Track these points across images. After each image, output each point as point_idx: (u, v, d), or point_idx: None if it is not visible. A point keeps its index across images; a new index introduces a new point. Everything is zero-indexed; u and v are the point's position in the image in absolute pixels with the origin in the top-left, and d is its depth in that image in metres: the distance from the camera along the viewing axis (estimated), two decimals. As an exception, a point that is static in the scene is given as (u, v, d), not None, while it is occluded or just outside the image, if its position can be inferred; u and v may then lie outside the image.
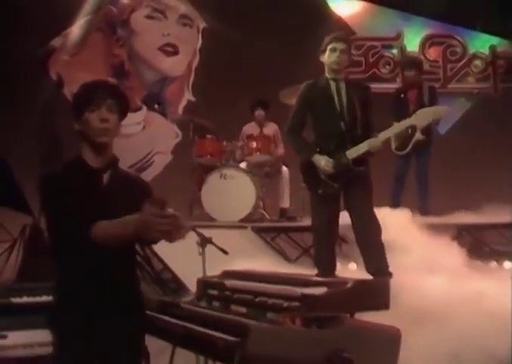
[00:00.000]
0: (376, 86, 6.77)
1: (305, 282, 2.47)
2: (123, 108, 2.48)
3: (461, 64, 8.36)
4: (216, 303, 2.95)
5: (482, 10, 7.97)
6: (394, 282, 4.11)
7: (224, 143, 6.44)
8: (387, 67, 8.29)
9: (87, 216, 2.30)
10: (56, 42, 7.44)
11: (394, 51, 8.36)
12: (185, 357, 3.05)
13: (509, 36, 8.31)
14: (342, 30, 8.08)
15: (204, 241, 3.58)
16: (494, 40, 8.43)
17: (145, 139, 7.73)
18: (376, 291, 2.38)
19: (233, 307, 2.80)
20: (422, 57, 8.27)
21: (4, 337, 3.10)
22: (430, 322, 3.81)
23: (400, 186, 6.42)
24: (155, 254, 4.81)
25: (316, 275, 4.20)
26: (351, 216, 4.36)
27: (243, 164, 6.47)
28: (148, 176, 7.51)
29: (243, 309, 2.68)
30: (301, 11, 7.84)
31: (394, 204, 6.30)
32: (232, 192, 6.07)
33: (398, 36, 8.34)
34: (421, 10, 8.14)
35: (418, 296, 4.06)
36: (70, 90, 6.77)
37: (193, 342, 2.46)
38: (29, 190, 6.64)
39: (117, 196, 2.41)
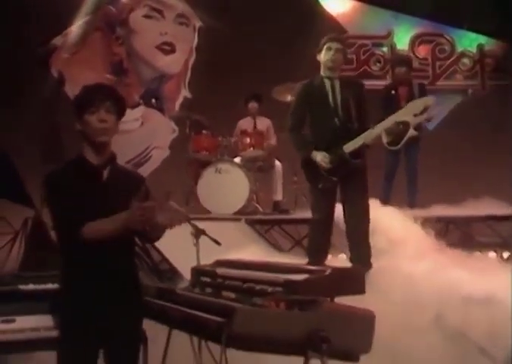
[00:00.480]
0: (366, 83, 6.96)
1: (288, 269, 2.72)
2: (121, 109, 2.70)
3: (450, 61, 8.59)
4: (208, 289, 3.17)
5: (471, 9, 8.23)
6: (383, 269, 4.45)
7: (219, 139, 6.68)
8: (377, 64, 8.52)
9: (88, 209, 2.55)
10: (57, 40, 7.69)
11: (385, 49, 8.59)
12: (181, 340, 3.33)
13: (496, 35, 8.55)
14: (335, 29, 8.41)
15: (198, 232, 3.84)
16: (482, 39, 8.65)
17: (143, 135, 7.98)
18: (352, 278, 2.63)
19: (224, 293, 3.03)
20: (411, 55, 8.50)
21: (13, 321, 3.31)
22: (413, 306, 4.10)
23: (390, 181, 6.65)
24: (154, 246, 5.06)
25: (307, 264, 4.47)
26: (344, 209, 4.60)
27: (237, 159, 6.73)
28: (146, 170, 7.77)
29: (232, 295, 2.91)
30: (294, 10, 8.07)
31: (385, 198, 6.56)
32: (226, 186, 6.33)
33: (389, 35, 8.57)
34: (411, 9, 8.38)
35: (403, 282, 4.35)
36: (71, 87, 7.03)
37: (187, 324, 2.71)
38: (30, 184, 6.89)
39: (115, 190, 2.64)
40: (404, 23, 8.59)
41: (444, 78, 8.59)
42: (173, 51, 8.12)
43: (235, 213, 6.27)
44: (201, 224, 4.32)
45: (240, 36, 7.74)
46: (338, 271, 2.61)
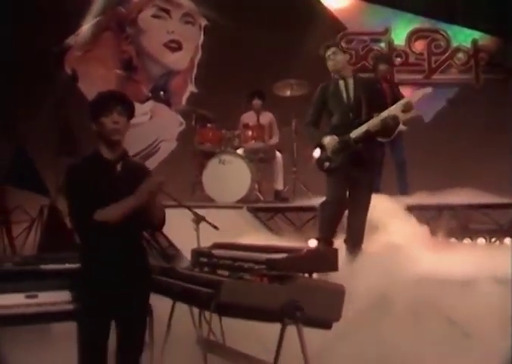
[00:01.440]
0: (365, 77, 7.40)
1: (271, 250, 3.17)
2: (130, 112, 3.16)
3: (445, 56, 8.92)
4: (206, 268, 3.65)
5: (465, 6, 8.58)
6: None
7: (223, 132, 7.11)
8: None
9: (104, 198, 2.99)
10: (70, 40, 8.15)
11: (382, 44, 8.95)
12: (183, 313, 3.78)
13: (490, 30, 8.87)
14: (335, 26, 8.81)
15: (198, 219, 4.26)
16: (477, 34, 8.95)
17: (152, 128, 8.41)
18: (326, 257, 3.06)
19: (219, 271, 3.49)
20: (408, 50, 8.89)
21: (35, 296, 3.76)
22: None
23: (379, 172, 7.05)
24: (161, 233, 5.50)
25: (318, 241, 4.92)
26: (349, 194, 5.01)
27: (240, 151, 7.15)
28: (154, 161, 8.24)
29: (226, 272, 3.38)
30: (296, 9, 8.41)
31: (376, 188, 6.96)
32: (229, 175, 6.74)
33: (386, 31, 8.92)
34: (408, 6, 8.73)
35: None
36: (84, 83, 7.49)
37: (185, 296, 3.18)
38: (46, 175, 7.34)
39: (127, 181, 3.06)
40: (402, 19, 8.92)
41: (440, 72, 8.93)
42: (179, 48, 8.54)
43: (238, 201, 6.70)
44: (205, 212, 4.78)
45: (243, 34, 8.11)
46: (313, 251, 3.06)
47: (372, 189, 5.07)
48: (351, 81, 5.05)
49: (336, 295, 2.95)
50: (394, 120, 5.12)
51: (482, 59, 8.96)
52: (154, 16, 8.46)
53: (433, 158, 8.13)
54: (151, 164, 8.33)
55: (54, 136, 7.18)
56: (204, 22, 8.57)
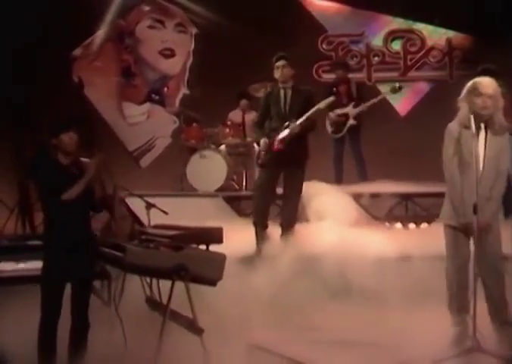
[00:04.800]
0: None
1: (176, 228, 4.21)
2: (82, 131, 4.27)
3: (420, 55, 9.55)
4: (144, 243, 4.69)
5: (440, 6, 9.24)
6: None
7: (205, 130, 8.15)
8: (354, 59, 9.59)
9: (59, 187, 4.09)
10: (76, 52, 9.36)
11: (361, 45, 9.65)
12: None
13: (464, 29, 9.51)
14: (316, 28, 9.60)
15: (149, 206, 5.30)
16: (451, 33, 9.54)
17: (149, 127, 9.57)
18: (211, 233, 4.09)
19: (150, 244, 4.53)
20: (385, 49, 9.61)
21: (22, 264, 4.90)
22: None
23: (339, 164, 7.95)
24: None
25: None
26: (283, 188, 5.99)
27: (223, 146, 8.16)
28: (152, 156, 9.41)
29: (151, 244, 4.40)
30: (279, 14, 9.15)
31: (337, 178, 7.87)
32: (209, 168, 7.78)
33: (364, 33, 9.61)
34: (384, 8, 9.47)
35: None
36: (89, 91, 8.64)
37: (114, 260, 4.21)
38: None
39: (78, 178, 4.16)
40: (379, 21, 9.65)
41: (415, 69, 9.59)
42: (173, 55, 9.61)
43: (216, 190, 7.74)
44: (186, 200, 5.91)
45: (230, 40, 9.00)
46: (201, 229, 4.08)
47: (301, 180, 5.96)
48: (289, 92, 5.93)
49: (218, 261, 3.95)
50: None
51: (457, 57, 9.55)
52: (150, 27, 9.57)
53: (402, 150, 8.87)
54: (149, 158, 9.53)
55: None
56: (194, 30, 9.58)
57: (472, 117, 4.02)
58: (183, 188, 8.01)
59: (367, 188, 7.25)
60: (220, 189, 7.76)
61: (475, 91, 4.10)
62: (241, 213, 7.35)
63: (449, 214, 4.19)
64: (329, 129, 7.86)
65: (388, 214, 7.32)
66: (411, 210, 7.66)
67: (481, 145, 4.15)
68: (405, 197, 7.52)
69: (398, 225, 6.85)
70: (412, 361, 3.85)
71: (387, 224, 6.82)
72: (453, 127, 4.20)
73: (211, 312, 4.47)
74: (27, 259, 4.83)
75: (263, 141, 5.89)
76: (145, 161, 9.56)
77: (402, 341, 4.13)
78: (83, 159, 4.52)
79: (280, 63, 5.95)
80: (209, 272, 3.90)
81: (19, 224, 7.53)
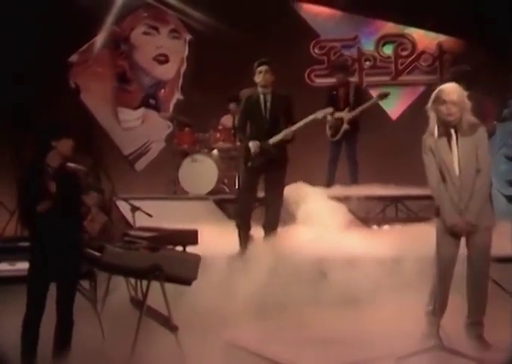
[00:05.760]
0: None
1: (154, 230, 4.38)
2: (74, 137, 4.43)
3: (411, 59, 9.65)
4: (127, 244, 4.86)
5: (431, 11, 9.36)
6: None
7: (196, 135, 8.32)
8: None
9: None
10: (73, 58, 9.56)
11: (353, 50, 9.77)
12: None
13: (455, 33, 9.62)
14: (309, 33, 9.75)
15: (134, 209, 5.47)
16: (442, 37, 9.63)
17: (143, 131, 9.77)
18: (187, 235, 4.27)
19: (132, 245, 4.70)
20: (376, 54, 9.72)
21: (14, 264, 5.12)
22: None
23: (333, 167, 8.08)
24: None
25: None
26: (265, 190, 6.14)
27: (215, 151, 8.34)
28: (147, 160, 9.62)
29: (134, 246, 4.58)
30: (272, 19, 9.28)
31: (329, 180, 8.01)
32: (200, 172, 7.96)
33: (356, 37, 9.73)
34: (376, 14, 9.60)
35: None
36: (85, 96, 8.81)
37: (96, 261, 4.39)
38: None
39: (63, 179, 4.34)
40: (370, 26, 9.77)
41: (406, 73, 9.69)
42: (167, 61, 9.79)
43: (207, 193, 7.92)
44: (177, 203, 6.08)
45: (223, 45, 9.14)
46: (176, 231, 4.25)
47: (282, 183, 6.11)
48: (269, 97, 6.06)
49: (192, 261, 4.11)
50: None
51: (447, 60, 9.60)
52: (145, 33, 9.76)
53: (393, 153, 8.99)
54: (144, 162, 9.73)
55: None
56: (188, 36, 9.76)
57: (436, 126, 4.13)
58: (176, 191, 8.19)
59: (357, 191, 7.36)
60: (211, 193, 7.93)
61: (439, 99, 4.21)
62: (231, 216, 7.49)
63: (438, 216, 4.22)
64: (328, 132, 8.01)
65: (377, 216, 7.48)
66: (402, 212, 7.80)
67: (454, 149, 4.26)
68: (395, 200, 7.66)
69: (386, 227, 6.96)
70: (378, 358, 3.98)
71: (375, 226, 6.92)
72: (426, 137, 4.32)
73: (192, 310, 4.66)
74: (17, 260, 5.06)
75: (252, 144, 5.98)
76: (140, 164, 9.74)
77: (374, 339, 4.28)
78: (71, 164, 4.74)
79: (262, 68, 6.05)
80: (183, 272, 4.07)
81: (19, 227, 7.66)
